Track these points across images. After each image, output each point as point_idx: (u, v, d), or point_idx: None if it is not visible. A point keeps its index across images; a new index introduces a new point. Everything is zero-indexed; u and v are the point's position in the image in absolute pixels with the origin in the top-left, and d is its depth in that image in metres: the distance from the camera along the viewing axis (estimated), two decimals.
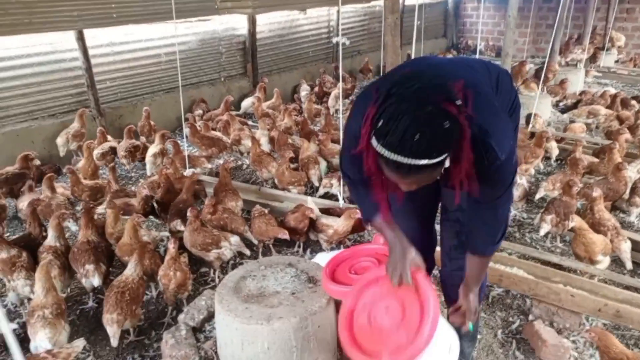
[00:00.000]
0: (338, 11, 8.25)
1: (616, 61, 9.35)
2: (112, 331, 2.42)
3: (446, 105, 1.31)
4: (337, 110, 6.22)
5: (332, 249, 3.34)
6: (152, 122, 5.48)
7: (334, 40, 3.36)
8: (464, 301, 1.90)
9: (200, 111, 6.18)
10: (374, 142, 1.36)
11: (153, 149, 4.72)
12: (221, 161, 4.85)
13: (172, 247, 2.75)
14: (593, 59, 8.94)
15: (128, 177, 4.94)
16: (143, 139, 5.21)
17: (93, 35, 5.46)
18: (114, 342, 2.41)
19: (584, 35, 8.83)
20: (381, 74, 4.20)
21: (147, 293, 3.00)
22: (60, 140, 4.92)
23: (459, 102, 1.34)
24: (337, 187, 3.99)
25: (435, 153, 1.31)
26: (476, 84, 1.55)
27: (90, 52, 5.39)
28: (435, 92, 1.34)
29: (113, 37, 5.74)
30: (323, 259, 2.87)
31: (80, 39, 5.23)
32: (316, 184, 4.30)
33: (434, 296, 1.71)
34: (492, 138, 1.46)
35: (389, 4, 3.17)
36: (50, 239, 2.97)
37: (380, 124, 1.33)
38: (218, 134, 5.20)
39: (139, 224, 3.11)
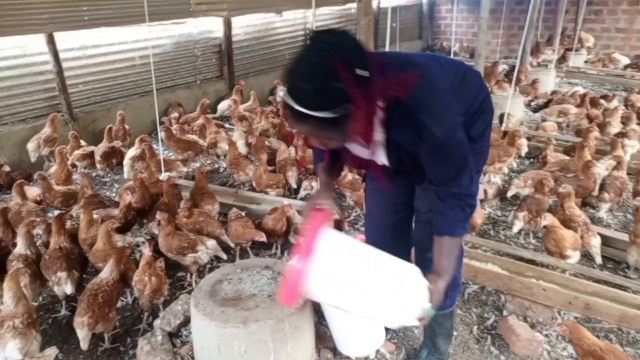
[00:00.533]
0: (313, 14, 8.28)
1: (585, 61, 9.60)
2: (82, 334, 2.37)
3: (341, 67, 1.33)
4: None
5: None
6: (126, 127, 5.40)
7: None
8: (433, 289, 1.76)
9: (176, 114, 6.11)
10: None
11: (132, 152, 4.66)
12: (198, 164, 4.81)
13: (146, 251, 2.71)
14: (562, 59, 9.17)
15: (102, 182, 4.86)
16: (119, 142, 5.13)
17: (64, 39, 5.35)
18: (84, 345, 2.36)
19: (554, 37, 9.05)
20: None
21: (122, 299, 2.95)
22: (31, 146, 4.81)
23: (361, 72, 1.36)
24: (317, 187, 3.99)
25: (318, 106, 1.36)
26: (430, 72, 1.64)
27: (62, 55, 5.28)
28: (341, 53, 1.36)
29: (85, 40, 5.64)
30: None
31: (51, 42, 5.12)
32: (294, 186, 4.31)
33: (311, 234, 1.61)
34: (425, 115, 1.53)
35: (362, 6, 3.20)
36: (20, 247, 2.90)
37: (289, 68, 1.42)
38: (194, 137, 5.15)
39: (112, 230, 3.06)
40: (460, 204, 1.70)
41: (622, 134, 4.85)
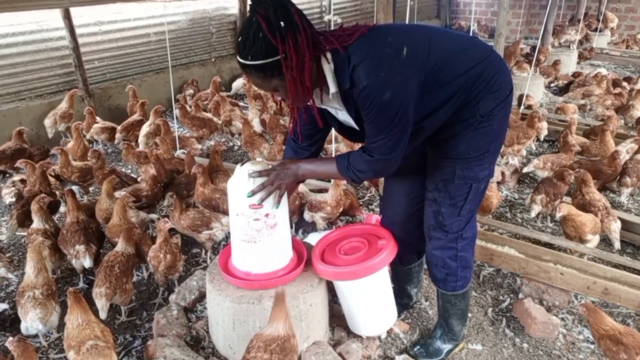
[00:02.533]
0: None
1: (609, 43, 9.32)
2: (101, 304, 2.41)
3: (260, 17, 1.54)
4: None
5: (326, 229, 3.35)
6: (140, 100, 5.40)
7: (326, 18, 3.31)
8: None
9: (191, 91, 6.10)
10: None
11: (146, 128, 4.66)
12: (212, 143, 4.81)
13: (163, 228, 2.73)
14: (585, 40, 8.91)
15: (118, 159, 4.87)
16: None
17: (81, 14, 5.33)
18: (102, 314, 2.40)
19: (577, 16, 8.78)
20: None
21: (137, 274, 2.99)
22: (48, 122, 4.85)
23: (285, 24, 1.54)
24: None
25: (251, 56, 1.58)
26: (386, 31, 1.75)
27: (78, 31, 5.27)
28: (262, 9, 1.54)
29: (101, 16, 5.62)
30: (315, 238, 2.87)
31: (67, 17, 5.11)
32: None
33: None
34: (357, 61, 1.64)
35: None
36: (37, 223, 2.94)
37: None
38: (209, 115, 5.14)
39: (127, 204, 3.08)
40: (368, 160, 1.81)
41: None
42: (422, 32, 1.84)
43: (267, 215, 2.08)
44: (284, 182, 2.00)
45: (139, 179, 3.85)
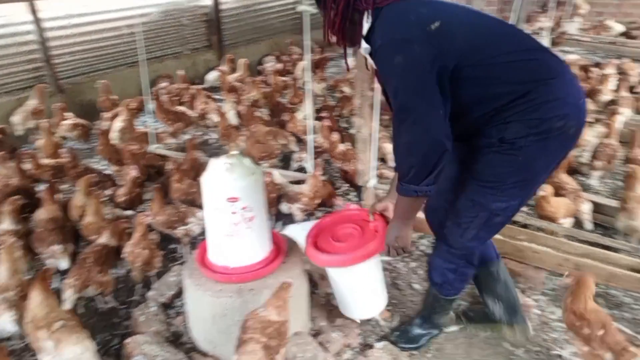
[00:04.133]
0: None
1: (579, 29, 9.48)
2: (67, 295, 2.40)
3: None
4: (304, 82, 6.15)
5: (304, 220, 3.36)
6: (112, 97, 5.30)
7: (298, 8, 3.28)
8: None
9: (165, 85, 6.00)
10: None
11: (118, 124, 4.57)
12: (188, 136, 4.76)
13: (142, 222, 2.70)
14: (557, 27, 9.04)
15: (90, 155, 4.78)
16: (108, 114, 5.03)
17: (48, 7, 5.18)
18: (67, 305, 2.37)
19: (549, 3, 8.89)
20: None
21: (113, 272, 2.96)
22: (16, 119, 4.72)
23: None
24: (309, 159, 3.96)
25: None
26: (421, 3, 1.73)
27: (46, 24, 5.12)
28: None
29: (70, 9, 5.46)
30: (294, 230, 2.89)
31: (33, 11, 4.96)
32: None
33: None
34: (379, 24, 1.71)
35: None
36: (8, 224, 2.87)
37: None
38: (184, 108, 5.08)
39: (100, 201, 3.04)
40: (396, 135, 1.75)
41: (612, 102, 4.83)
42: (483, 23, 1.76)
43: (244, 208, 2.08)
44: (394, 243, 1.99)
45: (114, 176, 3.79)
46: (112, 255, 2.68)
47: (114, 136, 4.50)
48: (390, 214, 2.13)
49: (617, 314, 2.60)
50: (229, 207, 2.06)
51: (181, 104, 5.34)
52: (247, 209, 2.09)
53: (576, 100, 1.71)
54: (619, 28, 8.92)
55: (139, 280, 2.75)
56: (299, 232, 2.83)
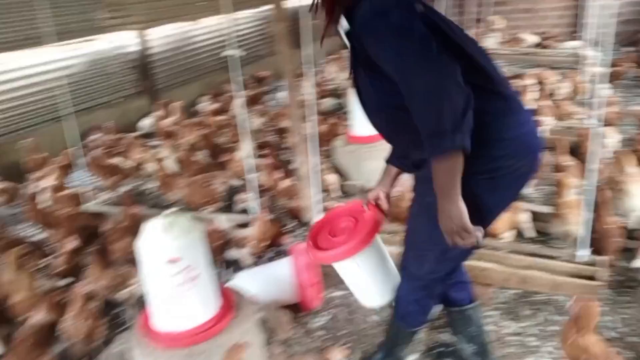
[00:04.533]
0: (234, 19, 8.16)
1: (498, 42, 10.09)
2: None
3: None
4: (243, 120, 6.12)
5: (255, 263, 3.28)
6: (39, 155, 5.02)
7: (224, 54, 3.28)
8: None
9: (96, 136, 5.78)
10: None
11: (47, 184, 4.33)
12: (126, 188, 4.58)
13: (79, 292, 2.53)
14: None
15: (17, 220, 4.46)
16: (35, 175, 4.75)
17: None
18: None
19: (466, 22, 9.44)
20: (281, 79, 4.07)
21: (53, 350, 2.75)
22: None
23: None
24: (252, 199, 3.91)
25: None
26: None
27: None
28: None
29: None
30: (243, 279, 2.81)
31: None
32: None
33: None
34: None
35: (276, 12, 3.14)
36: None
37: None
38: (119, 160, 4.90)
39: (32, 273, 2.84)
40: (413, 81, 1.47)
41: (535, 112, 5.12)
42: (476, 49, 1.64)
43: (187, 267, 2.00)
44: (451, 227, 1.59)
45: (46, 242, 3.56)
46: (50, 332, 2.50)
47: (44, 198, 4.26)
48: (383, 202, 2.03)
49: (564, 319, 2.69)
50: (171, 269, 1.97)
51: (116, 155, 5.15)
52: (190, 267, 2.01)
53: (525, 137, 1.65)
54: (533, 39, 9.57)
55: (82, 355, 2.56)
56: (248, 281, 2.77)
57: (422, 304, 2.10)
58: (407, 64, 1.46)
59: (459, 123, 1.44)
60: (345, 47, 1.78)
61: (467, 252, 1.86)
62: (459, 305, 2.23)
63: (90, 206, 4.12)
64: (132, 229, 3.37)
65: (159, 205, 4.50)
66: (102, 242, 3.34)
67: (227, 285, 2.78)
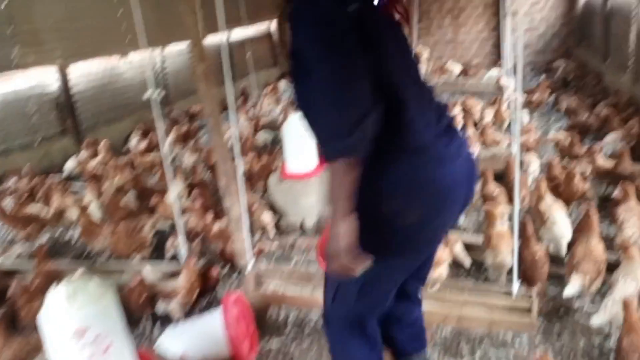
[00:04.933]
0: (162, 55, 7.96)
1: (425, 72, 10.52)
2: None
3: None
4: (174, 158, 5.93)
5: (186, 315, 3.08)
6: None
7: (145, 97, 3.12)
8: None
9: (11, 182, 5.35)
10: None
11: None
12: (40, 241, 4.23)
13: None
14: None
15: None
16: None
17: None
18: None
19: None
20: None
21: None
22: None
23: None
24: (182, 244, 3.71)
25: None
26: None
27: None
28: None
29: None
30: (169, 339, 2.63)
31: None
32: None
33: None
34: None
35: (197, 52, 3.03)
36: None
37: None
38: (36, 207, 4.53)
39: None
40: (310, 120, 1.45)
41: None
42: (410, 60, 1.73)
43: (96, 338, 1.81)
44: (341, 259, 1.46)
45: None
46: None
47: None
48: None
49: (504, 353, 2.69)
50: (78, 341, 1.77)
51: (35, 201, 4.77)
52: (101, 337, 1.82)
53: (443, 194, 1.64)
54: (458, 68, 10.04)
55: None
56: (176, 338, 2.59)
57: (349, 344, 1.96)
58: (314, 51, 1.40)
59: (355, 128, 1.33)
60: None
61: (381, 290, 1.76)
62: (410, 353, 2.22)
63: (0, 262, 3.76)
64: (45, 288, 3.08)
65: (81, 257, 4.18)
66: (9, 305, 3.02)
67: (156, 344, 2.59)
